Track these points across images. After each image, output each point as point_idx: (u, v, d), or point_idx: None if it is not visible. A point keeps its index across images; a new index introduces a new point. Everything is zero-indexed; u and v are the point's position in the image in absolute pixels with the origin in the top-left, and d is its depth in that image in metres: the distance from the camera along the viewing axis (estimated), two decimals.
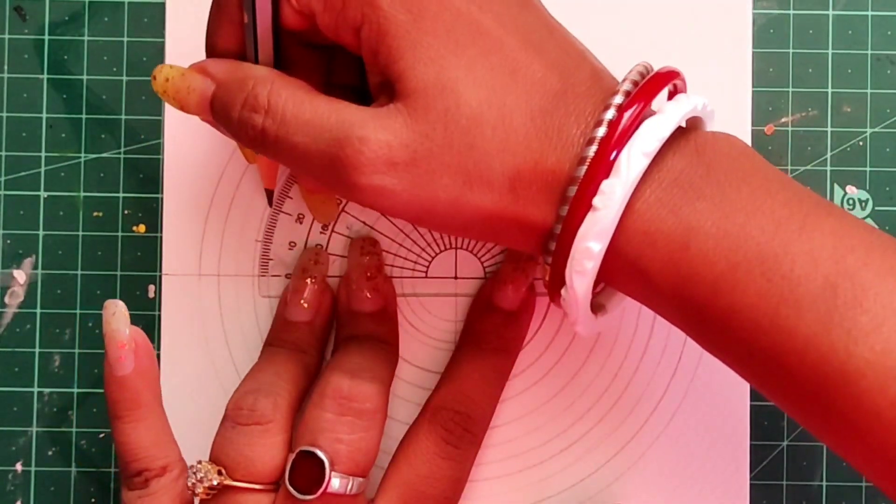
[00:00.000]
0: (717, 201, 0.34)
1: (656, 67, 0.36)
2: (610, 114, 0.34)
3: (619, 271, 0.35)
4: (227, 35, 0.38)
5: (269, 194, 0.44)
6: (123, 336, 0.39)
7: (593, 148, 0.34)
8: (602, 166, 0.34)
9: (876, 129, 0.45)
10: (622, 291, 0.37)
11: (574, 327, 0.38)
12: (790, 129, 0.45)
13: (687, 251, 0.34)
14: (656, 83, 0.35)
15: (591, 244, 0.34)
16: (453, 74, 0.34)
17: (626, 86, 0.35)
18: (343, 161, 0.34)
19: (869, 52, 0.45)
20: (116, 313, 0.39)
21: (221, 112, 0.37)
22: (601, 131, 0.34)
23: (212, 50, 0.39)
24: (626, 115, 0.34)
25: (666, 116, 0.35)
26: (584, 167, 0.34)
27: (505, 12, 0.36)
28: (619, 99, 0.34)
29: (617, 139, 0.34)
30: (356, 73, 0.40)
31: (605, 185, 0.34)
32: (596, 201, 0.34)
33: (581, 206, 0.34)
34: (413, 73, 0.34)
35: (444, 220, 0.36)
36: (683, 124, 0.37)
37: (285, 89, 0.36)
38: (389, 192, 0.35)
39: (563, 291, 0.36)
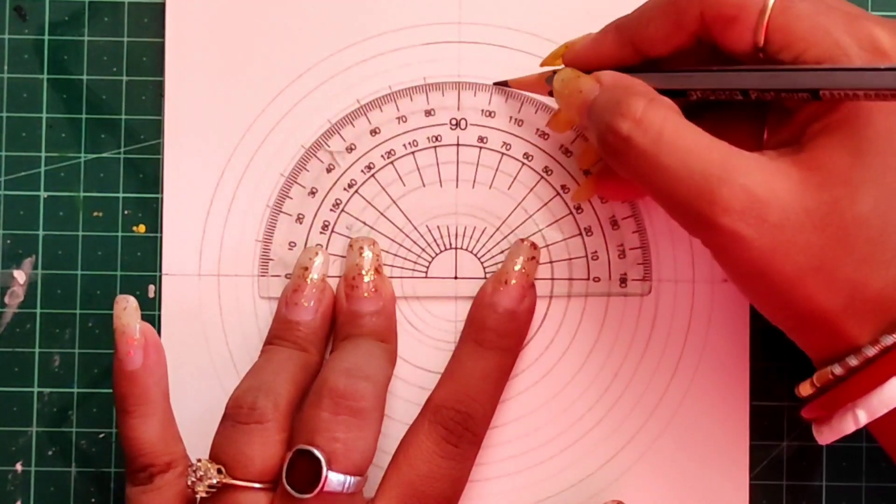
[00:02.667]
0: None
1: None
2: None
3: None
4: (659, 37, 0.38)
5: (586, 174, 0.44)
6: (134, 331, 0.40)
7: None
8: None
9: None
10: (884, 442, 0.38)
11: (827, 437, 0.37)
12: None
13: None
14: None
15: None
16: (863, 174, 0.34)
17: None
18: (714, 199, 0.35)
19: None
20: (128, 308, 0.40)
21: (595, 116, 0.38)
22: None
23: (620, 43, 0.39)
24: None
25: None
26: None
27: None
28: None
29: None
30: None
31: None
32: None
33: None
34: (829, 154, 0.35)
35: (770, 286, 0.36)
36: None
37: (663, 108, 0.36)
38: (743, 242, 0.35)
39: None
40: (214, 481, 0.38)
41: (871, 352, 0.35)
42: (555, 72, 0.41)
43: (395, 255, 0.45)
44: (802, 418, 0.38)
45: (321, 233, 0.45)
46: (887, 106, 0.35)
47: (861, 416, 0.36)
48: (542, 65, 0.43)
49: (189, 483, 0.38)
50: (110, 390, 0.44)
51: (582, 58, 0.40)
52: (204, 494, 0.38)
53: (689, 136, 0.36)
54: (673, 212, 0.37)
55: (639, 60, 0.39)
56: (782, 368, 0.45)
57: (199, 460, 0.38)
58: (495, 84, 0.44)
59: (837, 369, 0.36)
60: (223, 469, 0.38)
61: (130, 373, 0.40)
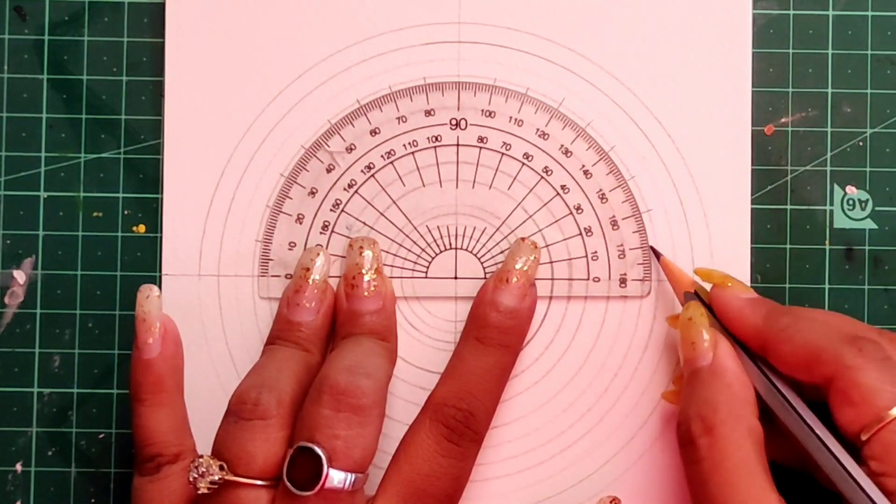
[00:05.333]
0: None
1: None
2: None
3: None
4: (787, 360, 0.39)
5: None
6: (153, 320, 0.41)
7: None
8: None
9: (876, 129, 0.45)
10: None
11: None
12: (790, 129, 0.45)
13: None
14: None
15: None
16: None
17: None
18: None
19: (869, 52, 0.45)
20: (150, 297, 0.42)
21: (689, 385, 0.39)
22: None
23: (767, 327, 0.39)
24: None
25: None
26: None
27: None
28: None
29: None
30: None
31: None
32: None
33: None
34: None
35: None
36: None
37: (741, 434, 0.37)
38: None
39: None
40: (216, 478, 0.38)
41: None
42: (696, 294, 0.42)
43: (395, 255, 0.45)
44: None
45: (321, 233, 0.45)
46: None
47: None
48: (697, 272, 0.42)
49: (191, 479, 0.38)
50: (110, 390, 0.45)
51: (725, 308, 0.41)
52: (206, 490, 0.38)
53: (744, 479, 0.36)
54: None
55: (760, 354, 0.40)
56: None
57: (200, 456, 0.38)
58: (651, 247, 0.44)
59: None
60: (225, 465, 0.38)
61: (147, 361, 0.41)
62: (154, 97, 0.45)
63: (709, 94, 0.45)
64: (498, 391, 0.42)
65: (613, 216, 0.45)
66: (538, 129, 0.45)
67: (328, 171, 0.45)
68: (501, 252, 0.44)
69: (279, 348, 0.42)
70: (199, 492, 0.38)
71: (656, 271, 0.44)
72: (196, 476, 0.38)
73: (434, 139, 0.45)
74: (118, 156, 0.45)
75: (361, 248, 0.43)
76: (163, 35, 0.45)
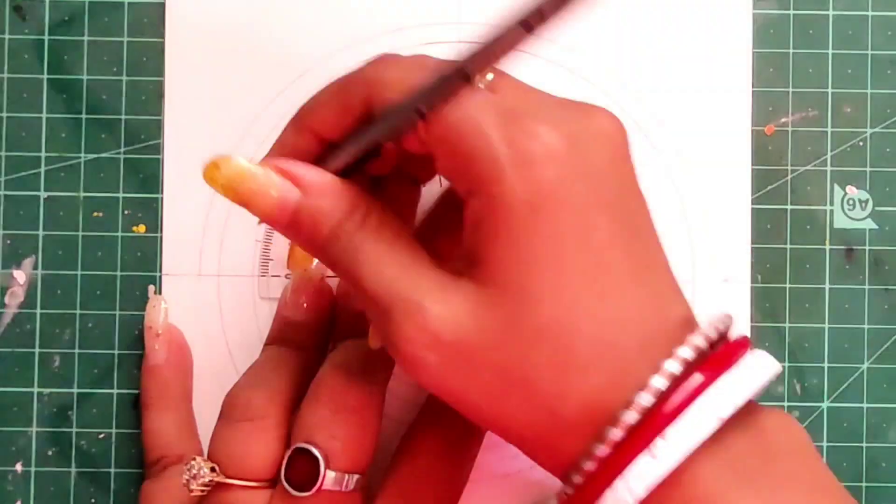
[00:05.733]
0: (767, 497, 0.32)
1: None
2: (674, 367, 0.32)
3: None
4: (329, 124, 0.36)
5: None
6: (158, 327, 0.43)
7: (648, 398, 0.32)
8: (656, 421, 0.32)
9: (876, 129, 0.45)
10: None
11: None
12: (790, 129, 0.45)
13: None
14: (728, 357, 0.33)
15: (635, 485, 0.32)
16: (540, 284, 0.32)
17: (698, 340, 0.32)
18: (393, 320, 0.33)
19: (869, 52, 0.45)
20: (157, 306, 0.44)
21: (308, 228, 0.35)
22: (658, 381, 0.32)
23: (298, 129, 0.37)
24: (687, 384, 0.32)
25: (735, 391, 0.32)
26: (635, 413, 0.32)
27: (620, 233, 0.33)
28: (686, 352, 0.32)
29: (678, 406, 0.32)
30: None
31: (661, 443, 0.31)
32: (655, 449, 0.31)
33: (626, 452, 0.32)
34: (499, 267, 0.33)
35: (474, 412, 0.34)
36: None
37: (375, 222, 0.35)
38: (423, 366, 0.33)
39: None
40: (207, 479, 0.38)
41: (587, 465, 0.32)
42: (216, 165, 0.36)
43: None
44: None
45: None
46: (552, 207, 0.32)
47: None
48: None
49: (184, 481, 0.38)
50: (110, 390, 0.45)
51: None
52: (198, 492, 0.38)
53: (387, 258, 0.34)
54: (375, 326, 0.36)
55: (321, 148, 0.37)
56: (782, 369, 0.45)
57: (193, 458, 0.38)
58: None
59: (568, 489, 0.34)
60: (217, 467, 0.38)
61: (153, 367, 0.43)
62: (154, 97, 0.45)
63: (709, 94, 0.45)
64: None
65: None
66: None
67: None
68: None
69: (276, 348, 0.42)
70: (192, 493, 0.38)
71: None
72: (188, 478, 0.38)
73: None
74: (118, 156, 0.45)
75: None
76: (163, 35, 0.45)
